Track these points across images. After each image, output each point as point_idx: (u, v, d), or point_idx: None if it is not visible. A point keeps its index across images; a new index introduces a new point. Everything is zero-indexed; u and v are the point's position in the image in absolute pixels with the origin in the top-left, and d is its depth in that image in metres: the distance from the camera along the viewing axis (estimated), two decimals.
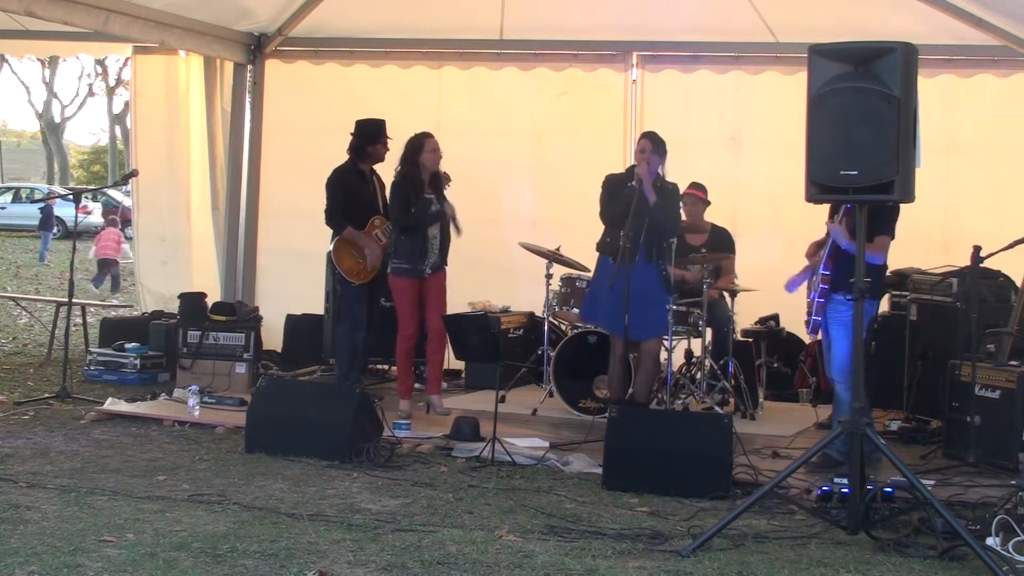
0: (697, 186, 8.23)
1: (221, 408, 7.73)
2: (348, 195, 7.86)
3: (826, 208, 6.34)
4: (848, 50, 5.14)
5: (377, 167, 8.00)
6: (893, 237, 6.39)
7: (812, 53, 5.19)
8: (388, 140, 7.92)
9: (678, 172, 7.42)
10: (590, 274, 8.24)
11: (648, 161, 7.14)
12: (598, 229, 7.50)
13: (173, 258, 10.54)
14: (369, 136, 7.92)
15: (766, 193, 9.13)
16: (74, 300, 8.91)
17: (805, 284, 6.83)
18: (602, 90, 9.44)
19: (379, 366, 9.36)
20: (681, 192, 7.66)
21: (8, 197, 33.80)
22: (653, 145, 7.19)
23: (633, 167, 7.28)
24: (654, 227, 7.13)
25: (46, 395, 8.18)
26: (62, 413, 7.67)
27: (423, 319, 7.65)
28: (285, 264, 9.94)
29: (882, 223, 6.21)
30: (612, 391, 7.35)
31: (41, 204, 26.37)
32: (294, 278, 9.81)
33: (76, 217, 10.20)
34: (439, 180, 7.65)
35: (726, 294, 8.14)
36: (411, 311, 7.62)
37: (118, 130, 47.06)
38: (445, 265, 7.69)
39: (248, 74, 9.90)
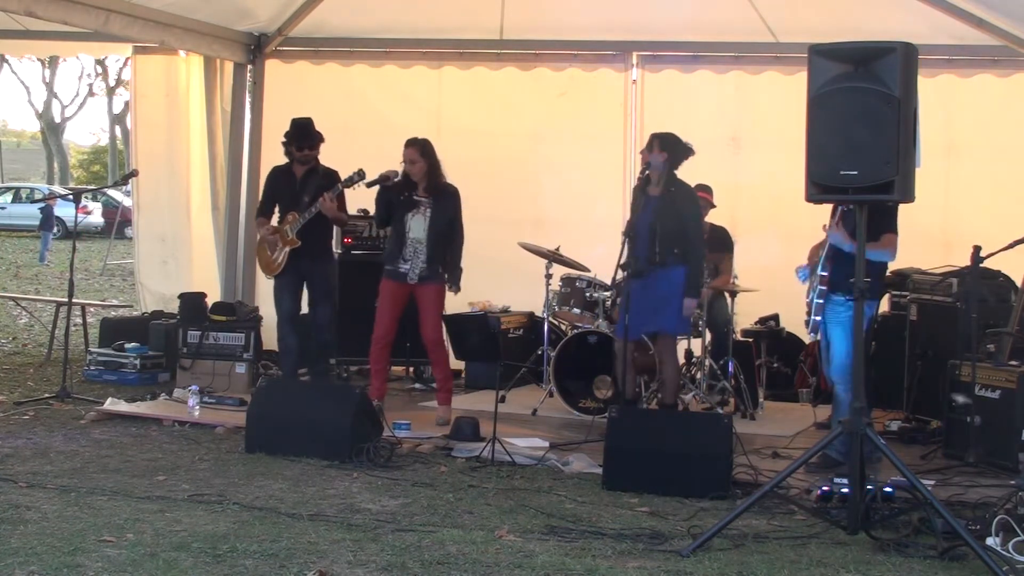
0: (704, 188, 8.23)
1: (221, 408, 7.73)
2: (274, 191, 8.22)
3: (826, 208, 6.33)
4: (848, 50, 5.14)
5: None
6: (897, 234, 6.37)
7: (812, 53, 5.19)
8: (297, 143, 8.03)
9: (678, 172, 7.41)
10: (590, 274, 8.28)
11: (648, 160, 7.11)
12: (598, 229, 7.50)
13: (173, 258, 10.54)
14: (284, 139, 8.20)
15: (766, 193, 9.13)
16: (74, 300, 8.91)
17: (807, 284, 6.83)
18: (602, 90, 9.44)
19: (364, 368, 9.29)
20: None
21: (8, 197, 33.82)
22: (659, 143, 7.17)
23: (646, 176, 7.24)
24: (661, 229, 7.10)
25: (46, 395, 8.17)
26: (62, 413, 7.67)
27: (404, 323, 7.65)
28: None
29: (886, 221, 6.20)
30: (615, 391, 7.33)
31: (41, 204, 26.37)
32: None
33: (76, 217, 10.21)
34: (435, 187, 7.50)
35: (726, 294, 8.14)
36: (382, 312, 7.57)
37: (118, 130, 47.12)
38: (443, 278, 7.54)
39: (248, 74, 9.89)
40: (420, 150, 7.48)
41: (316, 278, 8.08)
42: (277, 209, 8.19)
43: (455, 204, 7.58)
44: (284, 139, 8.15)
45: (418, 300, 7.54)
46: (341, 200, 8.01)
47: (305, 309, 8.23)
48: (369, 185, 7.63)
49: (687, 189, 7.34)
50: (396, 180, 7.54)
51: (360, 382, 8.34)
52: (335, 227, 8.76)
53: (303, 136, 8.06)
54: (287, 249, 7.99)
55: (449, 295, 7.64)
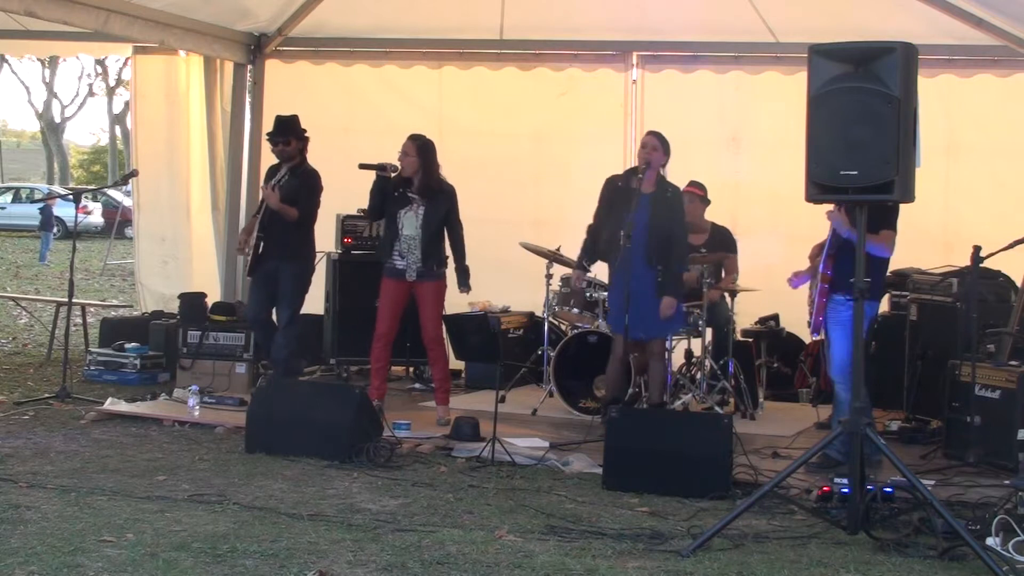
0: (695, 184, 8.23)
1: (221, 408, 7.73)
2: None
3: (827, 208, 6.33)
4: (848, 50, 5.14)
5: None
6: (896, 232, 6.37)
7: (812, 53, 5.20)
8: (272, 138, 7.96)
9: (678, 172, 7.42)
10: (591, 274, 8.25)
11: (649, 158, 7.10)
12: None
13: (173, 258, 10.56)
14: None
15: (766, 193, 9.13)
16: (74, 300, 8.91)
17: (807, 283, 6.84)
18: (602, 90, 9.44)
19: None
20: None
21: (8, 197, 33.81)
22: (656, 141, 7.16)
23: (633, 169, 7.25)
24: (652, 230, 7.10)
25: (46, 395, 8.17)
26: (62, 413, 7.67)
27: (405, 322, 7.64)
28: None
29: (885, 218, 6.20)
30: (608, 390, 7.34)
31: (41, 204, 26.37)
32: None
33: (76, 217, 10.21)
34: (428, 187, 7.45)
35: (726, 294, 8.14)
36: (383, 310, 7.55)
37: (118, 130, 47.15)
38: (442, 276, 7.56)
39: (248, 74, 9.90)
40: (416, 146, 7.46)
41: (281, 278, 7.89)
42: None
43: (449, 203, 7.53)
44: (266, 136, 8.14)
45: (417, 298, 7.53)
46: (303, 193, 7.85)
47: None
48: (362, 167, 7.54)
49: (679, 191, 7.39)
50: (393, 172, 7.50)
51: (360, 382, 8.34)
52: (335, 227, 8.77)
53: (275, 130, 7.98)
54: (255, 247, 7.93)
55: (450, 295, 7.65)
